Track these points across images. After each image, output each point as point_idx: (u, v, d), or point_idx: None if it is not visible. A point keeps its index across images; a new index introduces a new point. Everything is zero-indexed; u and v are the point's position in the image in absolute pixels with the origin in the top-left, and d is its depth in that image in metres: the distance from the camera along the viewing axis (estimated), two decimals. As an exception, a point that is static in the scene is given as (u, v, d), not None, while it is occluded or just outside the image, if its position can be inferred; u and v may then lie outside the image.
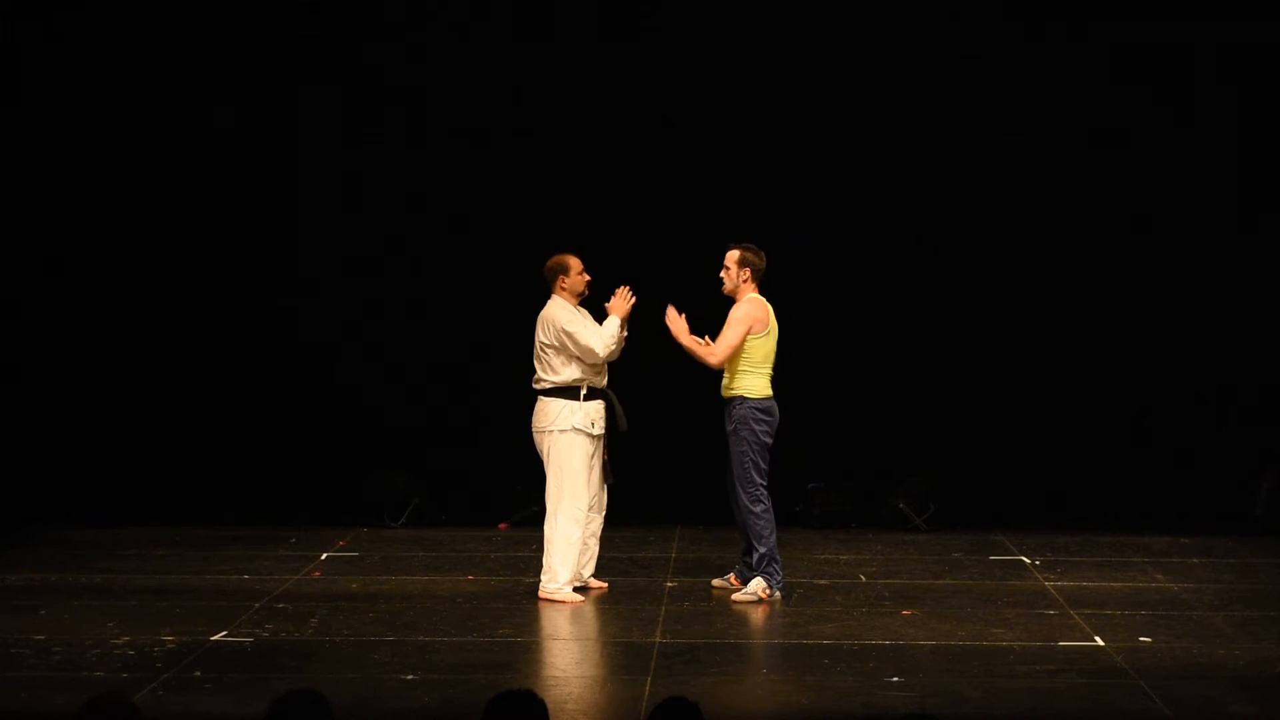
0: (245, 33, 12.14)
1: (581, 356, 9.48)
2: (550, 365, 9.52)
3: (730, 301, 9.64)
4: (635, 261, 9.93)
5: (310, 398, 12.32)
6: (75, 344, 12.27)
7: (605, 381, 9.62)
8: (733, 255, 9.60)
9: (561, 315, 9.50)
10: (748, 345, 9.49)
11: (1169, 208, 12.12)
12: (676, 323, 9.56)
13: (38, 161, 12.20)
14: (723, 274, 9.62)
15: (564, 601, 9.42)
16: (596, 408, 9.54)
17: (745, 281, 9.58)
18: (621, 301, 9.56)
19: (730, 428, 9.52)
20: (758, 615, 9.26)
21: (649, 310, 9.58)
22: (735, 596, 9.51)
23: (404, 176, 12.28)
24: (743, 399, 9.50)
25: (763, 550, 9.45)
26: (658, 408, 10.95)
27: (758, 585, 9.45)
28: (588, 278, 9.61)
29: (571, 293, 9.57)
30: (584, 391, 9.50)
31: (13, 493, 11.87)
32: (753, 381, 9.51)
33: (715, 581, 9.90)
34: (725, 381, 9.55)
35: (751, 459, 9.46)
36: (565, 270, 9.59)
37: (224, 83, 12.15)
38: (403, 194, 12.29)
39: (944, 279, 12.19)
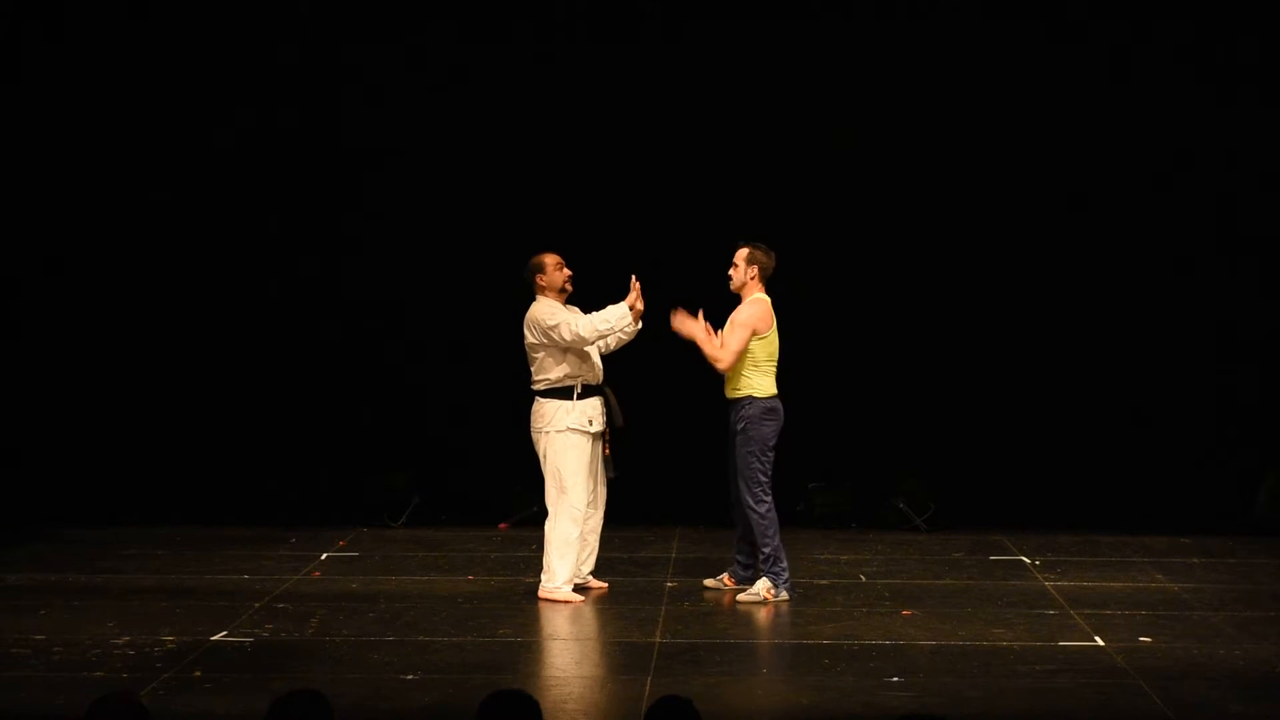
0: (245, 32, 12.15)
1: (573, 346, 9.43)
2: (540, 365, 9.52)
3: (734, 298, 9.63)
4: (636, 261, 9.90)
5: (311, 398, 12.32)
6: (75, 344, 12.26)
7: (600, 378, 9.60)
8: (742, 253, 9.56)
9: (543, 312, 9.47)
10: (750, 346, 9.46)
11: (1169, 207, 12.11)
12: (688, 323, 9.49)
13: (38, 159, 12.20)
14: (731, 271, 9.58)
15: (564, 601, 9.41)
16: (593, 405, 9.53)
17: (753, 279, 9.54)
18: (633, 295, 9.40)
19: (739, 426, 9.47)
20: (758, 615, 9.26)
21: (650, 309, 9.54)
22: (740, 597, 9.49)
23: (404, 177, 12.27)
24: (751, 398, 9.46)
25: (767, 550, 9.43)
26: (658, 407, 10.96)
27: (762, 586, 9.43)
28: (567, 272, 9.56)
29: (552, 289, 9.54)
30: (577, 390, 9.49)
31: (13, 493, 11.87)
32: (760, 381, 9.47)
33: (708, 581, 9.85)
34: (731, 382, 9.52)
35: (758, 458, 9.43)
36: (541, 269, 9.57)
37: (226, 86, 12.16)
38: (404, 195, 12.28)
39: (944, 279, 12.17)
